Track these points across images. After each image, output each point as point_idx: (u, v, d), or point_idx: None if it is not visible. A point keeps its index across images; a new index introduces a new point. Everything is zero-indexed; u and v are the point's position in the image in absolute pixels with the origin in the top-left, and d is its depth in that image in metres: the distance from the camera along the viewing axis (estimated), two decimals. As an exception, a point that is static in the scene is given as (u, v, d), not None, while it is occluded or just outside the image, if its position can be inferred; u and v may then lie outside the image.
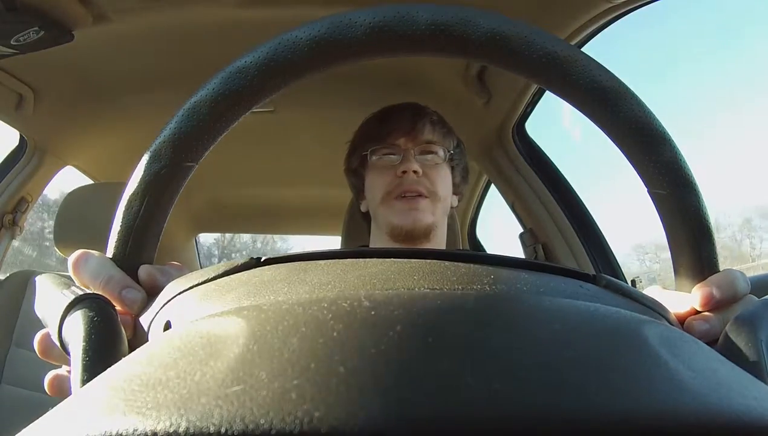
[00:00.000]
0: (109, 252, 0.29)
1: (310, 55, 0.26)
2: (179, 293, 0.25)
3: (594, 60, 0.27)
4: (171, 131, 0.27)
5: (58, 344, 0.24)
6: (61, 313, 0.23)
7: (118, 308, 0.27)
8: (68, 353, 0.22)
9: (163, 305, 0.25)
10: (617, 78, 0.27)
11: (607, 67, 0.27)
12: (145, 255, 0.29)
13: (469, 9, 0.25)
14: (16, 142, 1.27)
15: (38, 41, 0.90)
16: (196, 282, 0.25)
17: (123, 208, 0.28)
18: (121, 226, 0.28)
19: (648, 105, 0.27)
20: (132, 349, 0.24)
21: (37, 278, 0.27)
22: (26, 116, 1.15)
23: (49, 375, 0.27)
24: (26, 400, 1.04)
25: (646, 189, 0.29)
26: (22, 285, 1.14)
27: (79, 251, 0.28)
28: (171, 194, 0.29)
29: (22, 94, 1.12)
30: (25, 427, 0.13)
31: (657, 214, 0.29)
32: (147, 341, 0.25)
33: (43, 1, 0.84)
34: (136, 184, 0.28)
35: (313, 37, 0.25)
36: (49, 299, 0.25)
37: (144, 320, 0.26)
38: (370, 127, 0.81)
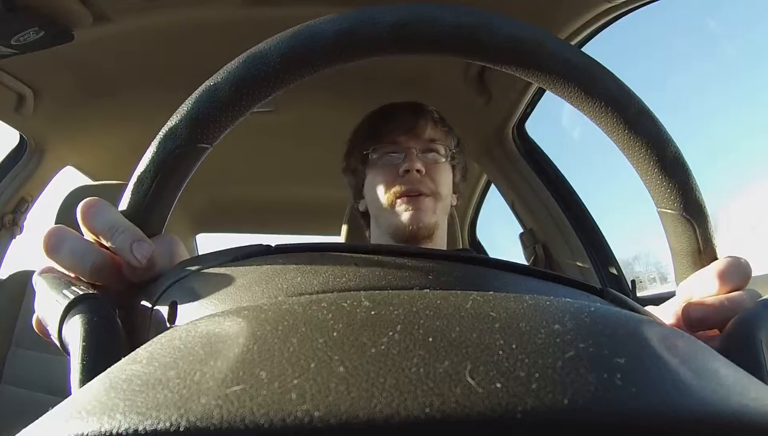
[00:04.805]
0: None
1: (333, 47, 0.26)
2: (189, 274, 0.24)
3: (613, 75, 0.27)
4: (188, 111, 0.27)
5: (58, 344, 0.23)
6: (60, 314, 0.23)
7: (126, 261, 0.26)
8: (68, 354, 0.22)
9: (172, 284, 0.24)
10: (636, 96, 0.27)
11: (627, 85, 0.27)
12: (150, 235, 0.28)
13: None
14: (16, 142, 1.27)
15: (38, 41, 0.90)
16: (207, 264, 0.24)
17: (132, 186, 0.28)
18: (129, 202, 0.28)
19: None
20: (127, 328, 0.24)
21: (35, 277, 0.27)
22: (26, 116, 1.15)
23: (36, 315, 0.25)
24: (26, 400, 1.04)
25: (655, 206, 0.29)
26: (22, 285, 1.13)
27: (92, 198, 0.27)
28: (183, 175, 0.28)
29: (22, 94, 1.12)
30: (25, 427, 0.13)
31: (664, 234, 0.30)
32: (145, 319, 0.24)
33: (43, 1, 0.84)
34: (148, 162, 0.27)
35: (338, 30, 0.25)
36: (49, 299, 0.24)
37: (148, 297, 0.25)
38: (370, 126, 0.79)
